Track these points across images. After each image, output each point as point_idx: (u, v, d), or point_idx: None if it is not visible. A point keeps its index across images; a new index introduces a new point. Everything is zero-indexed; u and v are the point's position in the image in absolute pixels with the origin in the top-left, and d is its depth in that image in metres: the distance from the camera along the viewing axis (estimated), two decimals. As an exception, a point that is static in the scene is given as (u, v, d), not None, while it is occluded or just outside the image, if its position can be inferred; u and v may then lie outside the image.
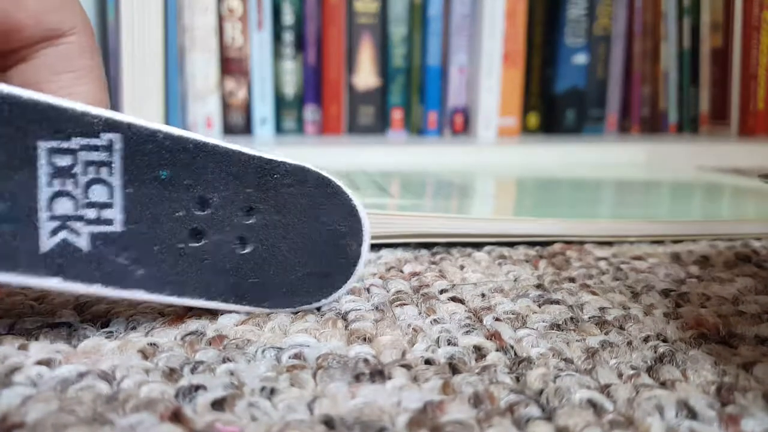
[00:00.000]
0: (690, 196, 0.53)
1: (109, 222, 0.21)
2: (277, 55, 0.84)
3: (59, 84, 0.23)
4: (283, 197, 0.24)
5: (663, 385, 0.19)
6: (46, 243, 0.20)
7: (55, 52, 0.23)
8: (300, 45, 0.85)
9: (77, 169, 0.20)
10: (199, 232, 0.23)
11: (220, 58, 0.82)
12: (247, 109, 0.85)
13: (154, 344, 0.22)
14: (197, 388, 0.18)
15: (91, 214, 0.21)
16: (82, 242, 0.21)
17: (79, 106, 0.20)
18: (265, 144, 0.77)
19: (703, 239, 0.38)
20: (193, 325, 0.24)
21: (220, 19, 0.81)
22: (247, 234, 0.23)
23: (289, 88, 0.86)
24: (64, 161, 0.20)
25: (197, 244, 0.23)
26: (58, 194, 0.20)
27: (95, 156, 0.21)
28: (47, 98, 0.20)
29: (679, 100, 0.94)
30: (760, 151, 0.80)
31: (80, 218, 0.21)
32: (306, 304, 0.25)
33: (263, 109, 0.84)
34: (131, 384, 0.19)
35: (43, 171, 0.20)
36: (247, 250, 0.23)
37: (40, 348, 0.21)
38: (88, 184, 0.21)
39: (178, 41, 0.75)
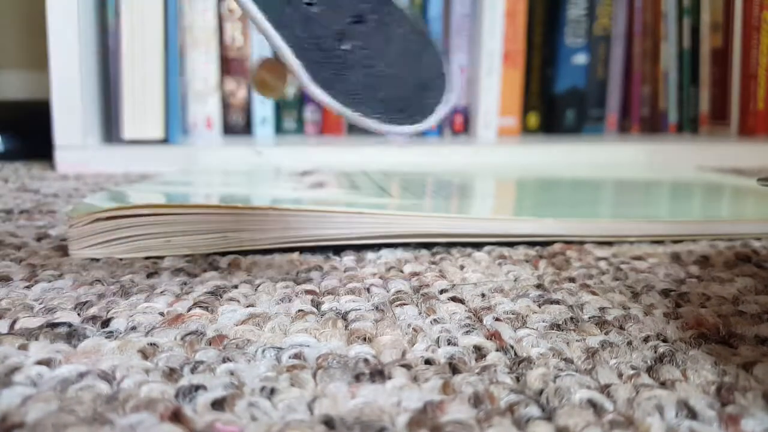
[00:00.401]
0: (690, 196, 0.53)
1: None
2: (277, 55, 0.84)
3: None
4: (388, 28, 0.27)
5: (663, 385, 0.19)
6: None
7: None
8: (300, 45, 0.85)
9: None
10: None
11: (220, 58, 0.82)
12: (247, 109, 0.85)
13: (154, 344, 0.22)
14: (197, 388, 0.18)
15: None
16: None
17: None
18: (265, 144, 0.77)
19: (703, 239, 0.38)
20: (193, 325, 0.24)
21: (220, 19, 0.82)
22: (348, 33, 0.26)
23: (289, 88, 0.86)
24: None
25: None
26: None
27: None
28: None
29: (679, 100, 0.94)
30: (760, 151, 0.80)
31: None
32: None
33: (263, 109, 0.84)
34: (131, 384, 0.19)
35: None
36: (345, 47, 0.26)
37: (40, 348, 0.21)
38: None
39: (178, 41, 0.75)
